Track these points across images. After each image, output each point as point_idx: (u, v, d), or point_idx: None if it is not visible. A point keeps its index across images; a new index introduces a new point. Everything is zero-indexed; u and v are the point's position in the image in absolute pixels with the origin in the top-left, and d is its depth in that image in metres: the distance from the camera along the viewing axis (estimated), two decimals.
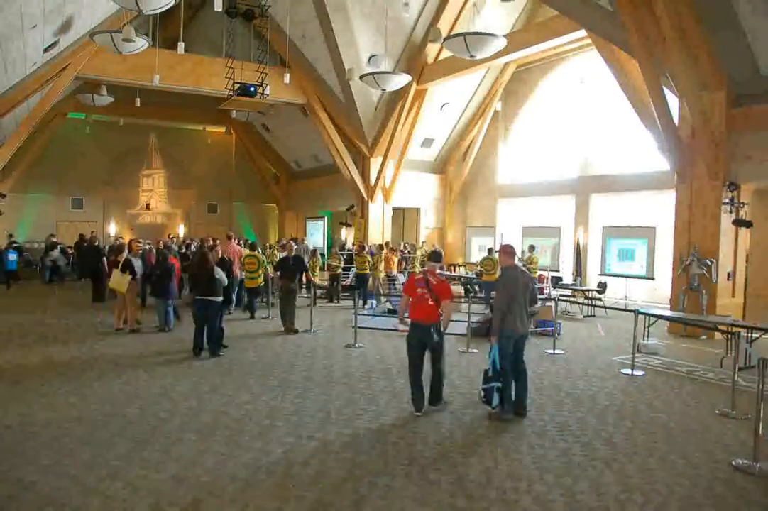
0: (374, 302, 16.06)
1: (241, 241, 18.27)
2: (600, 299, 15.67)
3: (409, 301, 6.93)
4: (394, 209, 23.12)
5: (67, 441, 5.67)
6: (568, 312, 15.37)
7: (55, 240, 22.56)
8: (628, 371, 8.96)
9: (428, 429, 6.25)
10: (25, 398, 7.13)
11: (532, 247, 16.43)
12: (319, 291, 18.05)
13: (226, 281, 10.00)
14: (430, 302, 6.69)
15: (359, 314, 11.43)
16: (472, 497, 4.66)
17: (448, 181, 24.03)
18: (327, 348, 10.47)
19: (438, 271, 7.11)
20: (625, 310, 11.67)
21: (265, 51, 19.40)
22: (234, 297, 13.74)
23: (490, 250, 15.85)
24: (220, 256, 11.50)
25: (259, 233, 30.95)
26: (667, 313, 11.83)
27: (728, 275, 12.48)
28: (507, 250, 7.06)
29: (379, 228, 22.02)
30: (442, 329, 6.79)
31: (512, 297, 6.68)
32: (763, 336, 9.26)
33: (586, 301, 15.41)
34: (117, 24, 15.19)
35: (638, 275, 16.36)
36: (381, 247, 19.05)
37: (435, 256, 7.22)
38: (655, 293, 16.64)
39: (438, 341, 6.75)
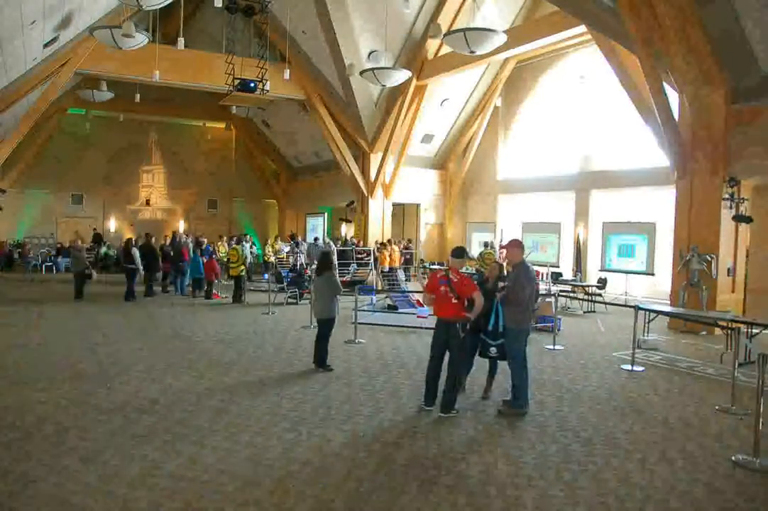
0: (374, 297, 16.06)
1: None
2: (600, 295, 15.68)
3: (432, 298, 6.91)
4: (394, 205, 23.12)
5: (68, 439, 5.67)
6: (568, 308, 15.37)
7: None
8: (628, 367, 8.97)
9: (428, 426, 6.26)
10: (24, 395, 7.16)
11: (486, 244, 17.87)
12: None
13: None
14: (454, 300, 6.60)
15: (359, 310, 11.44)
16: (472, 493, 4.67)
17: (448, 177, 24.00)
18: None
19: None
20: (625, 306, 11.66)
21: (265, 47, 19.38)
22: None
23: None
24: None
25: (259, 229, 30.97)
26: (667, 309, 11.82)
27: (728, 270, 12.49)
28: (519, 245, 7.08)
29: (379, 224, 22.03)
30: (471, 317, 6.68)
31: (532, 291, 6.86)
32: (763, 332, 9.26)
33: (586, 297, 15.41)
34: (117, 20, 15.18)
35: (638, 270, 16.35)
36: (384, 243, 19.46)
37: (457, 252, 7.02)
38: (655, 289, 16.64)
39: (461, 340, 6.69)
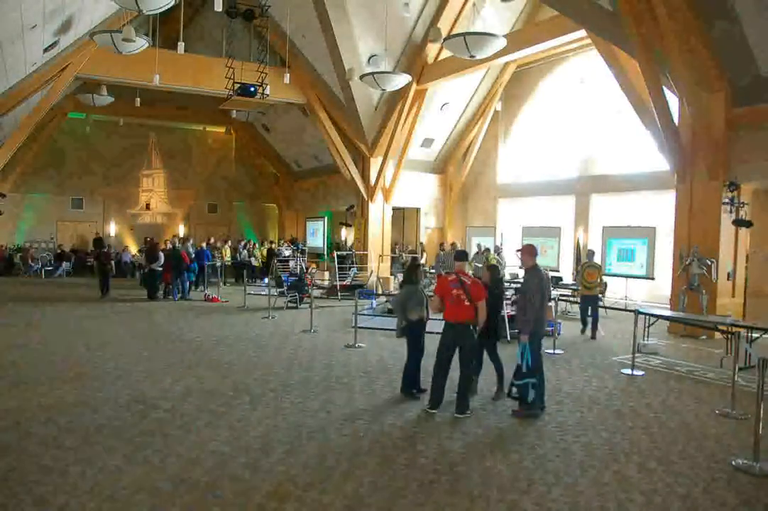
0: (374, 301, 16.06)
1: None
2: (600, 299, 15.65)
3: (440, 302, 6.93)
4: (394, 209, 23.11)
5: (68, 441, 5.67)
6: (568, 312, 15.36)
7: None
8: (628, 371, 8.97)
9: (428, 429, 6.25)
10: (25, 396, 7.15)
11: (487, 249, 17.73)
12: (319, 291, 18.09)
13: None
14: (467, 303, 6.69)
15: (359, 314, 11.44)
16: (472, 496, 4.66)
17: (448, 181, 24.01)
18: (327, 348, 10.47)
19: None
20: (625, 310, 11.67)
21: (265, 51, 19.41)
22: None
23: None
24: None
25: (260, 233, 30.96)
26: (667, 313, 11.83)
27: (728, 274, 12.48)
28: (532, 252, 7.15)
29: (379, 228, 22.02)
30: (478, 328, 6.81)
31: (544, 296, 6.93)
32: (763, 336, 9.26)
33: None
34: (117, 24, 15.20)
35: (638, 274, 16.34)
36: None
37: (460, 255, 7.22)
38: (655, 293, 16.62)
39: (474, 342, 6.79)
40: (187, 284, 17.57)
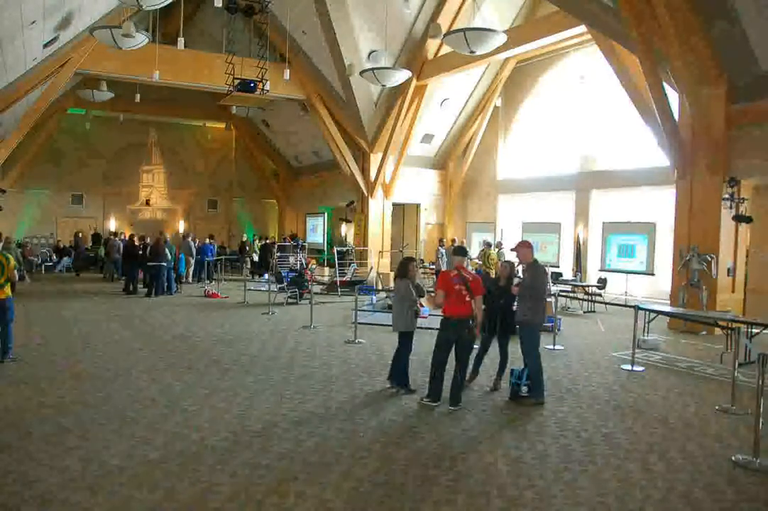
0: (374, 297, 16.07)
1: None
2: (600, 295, 15.68)
3: (443, 297, 6.92)
4: (394, 205, 23.10)
5: (68, 439, 5.68)
6: (568, 308, 15.38)
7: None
8: (628, 367, 8.98)
9: (428, 425, 6.26)
10: (24, 395, 7.16)
11: (488, 244, 17.63)
12: (319, 287, 18.08)
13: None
14: (468, 298, 6.78)
15: (359, 310, 11.44)
16: (472, 493, 4.67)
17: (448, 177, 23.98)
18: (327, 344, 10.48)
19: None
20: (625, 306, 11.66)
21: (265, 47, 19.39)
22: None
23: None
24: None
25: (260, 229, 30.97)
26: (667, 309, 11.83)
27: (728, 270, 12.48)
28: (529, 245, 7.50)
29: (379, 224, 22.01)
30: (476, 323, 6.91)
31: (544, 289, 7.32)
32: (763, 332, 9.26)
33: (586, 297, 15.40)
34: (117, 19, 15.18)
35: (638, 270, 16.34)
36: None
37: (460, 250, 7.31)
38: (655, 289, 16.64)
39: (471, 337, 6.88)
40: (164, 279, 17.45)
